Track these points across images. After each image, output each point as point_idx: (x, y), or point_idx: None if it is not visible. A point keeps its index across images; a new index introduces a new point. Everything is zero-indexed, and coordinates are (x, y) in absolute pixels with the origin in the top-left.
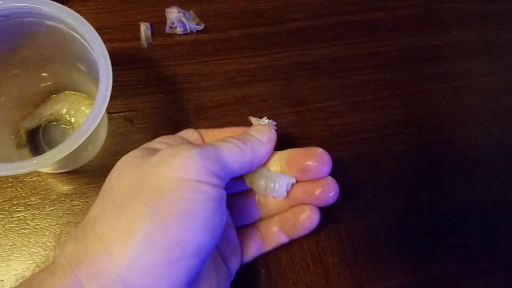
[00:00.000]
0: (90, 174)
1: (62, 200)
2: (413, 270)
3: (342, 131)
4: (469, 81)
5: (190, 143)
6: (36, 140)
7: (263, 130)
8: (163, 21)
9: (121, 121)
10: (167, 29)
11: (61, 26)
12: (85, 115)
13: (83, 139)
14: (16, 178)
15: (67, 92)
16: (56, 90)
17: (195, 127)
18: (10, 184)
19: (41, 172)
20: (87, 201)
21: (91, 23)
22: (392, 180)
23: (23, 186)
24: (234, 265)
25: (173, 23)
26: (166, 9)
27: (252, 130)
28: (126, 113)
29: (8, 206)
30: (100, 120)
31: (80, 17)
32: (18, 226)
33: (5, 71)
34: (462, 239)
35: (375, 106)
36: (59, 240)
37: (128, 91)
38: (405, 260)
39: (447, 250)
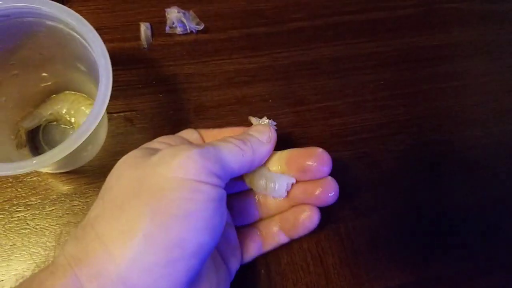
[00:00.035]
0: (90, 174)
1: (62, 200)
2: (413, 270)
3: (342, 131)
4: (469, 81)
5: (190, 143)
6: (36, 140)
7: (263, 130)
8: (163, 21)
9: (121, 121)
10: (167, 29)
11: (61, 26)
12: (85, 115)
13: (83, 139)
14: (16, 178)
15: (67, 92)
16: (56, 90)
17: (195, 127)
18: (10, 184)
19: (41, 172)
20: (87, 201)
21: (91, 23)
22: (392, 180)
23: (23, 186)
24: (234, 265)
25: (173, 23)
26: (166, 9)
27: (252, 130)
28: (126, 113)
29: (8, 206)
30: (100, 120)
31: (80, 17)
32: (18, 226)
33: (5, 71)
34: (462, 239)
35: (375, 106)
36: (59, 240)
37: (128, 91)
38: (405, 260)
39: (447, 250)
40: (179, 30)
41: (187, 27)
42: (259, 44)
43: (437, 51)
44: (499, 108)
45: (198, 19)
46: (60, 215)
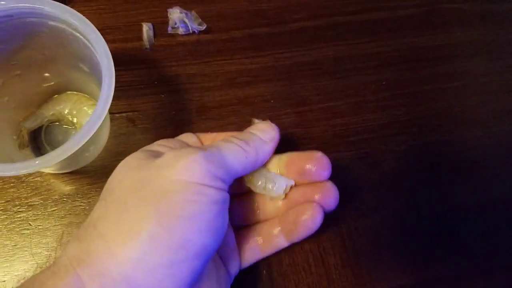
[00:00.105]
0: (92, 174)
1: (64, 200)
2: (414, 271)
3: (344, 132)
4: (469, 81)
5: (190, 146)
6: (38, 141)
7: (265, 129)
8: (165, 21)
9: (123, 121)
10: (169, 30)
11: (63, 26)
12: (87, 116)
13: (86, 140)
14: (18, 178)
15: (69, 92)
16: (59, 90)
17: (197, 128)
18: (12, 184)
19: (43, 172)
20: (89, 202)
21: (93, 24)
22: (394, 180)
23: (25, 187)
24: (233, 268)
25: (175, 24)
26: (168, 10)
27: (254, 129)
28: (128, 113)
29: (10, 207)
30: (103, 121)
31: (83, 17)
32: (20, 227)
33: (7, 71)
34: (463, 240)
35: (376, 106)
36: (60, 241)
37: (130, 92)
38: (407, 260)
39: (448, 250)
40: (181, 30)
41: (189, 28)
42: (261, 44)
43: (438, 51)
44: (499, 108)
45: (200, 20)
46: (62, 215)
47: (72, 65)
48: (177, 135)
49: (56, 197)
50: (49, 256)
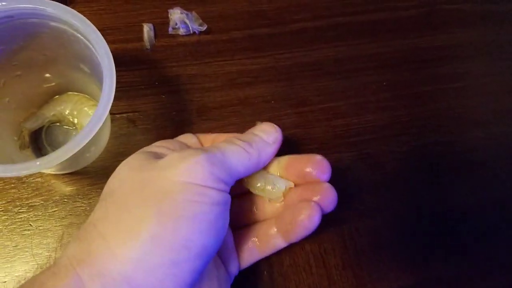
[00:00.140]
0: (93, 175)
1: (65, 201)
2: (415, 271)
3: (345, 132)
4: (470, 82)
5: (190, 147)
6: (39, 141)
7: (269, 130)
8: (165, 22)
9: (124, 122)
10: (170, 30)
11: (64, 27)
12: (88, 116)
13: (87, 140)
14: (19, 179)
15: (70, 93)
16: (59, 91)
17: (198, 128)
18: (13, 185)
19: (44, 173)
20: (90, 202)
21: (94, 24)
22: (395, 181)
23: (26, 187)
24: (233, 269)
25: (176, 24)
26: (169, 10)
27: (257, 130)
28: (129, 114)
29: (11, 207)
30: (104, 122)
31: (84, 18)
32: (21, 227)
33: (8, 72)
34: (463, 240)
35: (377, 107)
36: (61, 242)
37: (131, 92)
38: (407, 261)
39: (449, 250)
40: (182, 31)
41: (190, 28)
42: (262, 45)
43: (438, 52)
44: (499, 108)
45: (201, 20)
46: (63, 216)
47: (73, 66)
48: (178, 135)
49: (57, 197)
50: (50, 257)
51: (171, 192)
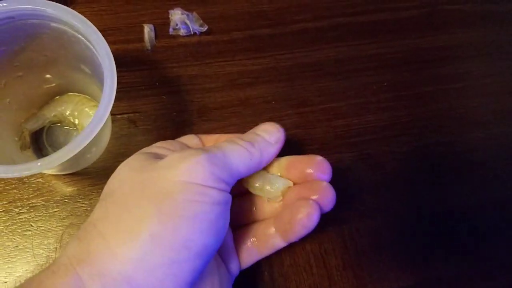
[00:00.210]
0: (94, 175)
1: (65, 201)
2: (415, 271)
3: (346, 133)
4: (470, 82)
5: (191, 148)
6: (39, 142)
7: (271, 130)
8: (166, 22)
9: (125, 122)
10: (171, 31)
11: (65, 28)
12: (88, 117)
13: (88, 141)
14: (19, 179)
15: (71, 93)
16: (60, 91)
17: (198, 129)
18: (13, 185)
19: (45, 173)
20: (91, 203)
21: (95, 25)
22: (395, 181)
23: (26, 188)
24: (234, 268)
25: (177, 25)
26: (169, 11)
27: (259, 130)
28: (129, 114)
29: (12, 208)
30: (104, 122)
31: (84, 18)
32: (21, 228)
33: (9, 72)
34: (463, 240)
35: (378, 107)
36: (61, 241)
37: (131, 93)
38: (408, 261)
39: (449, 251)
40: (182, 31)
41: (191, 29)
42: (262, 45)
43: (439, 52)
44: (500, 109)
45: (201, 21)
46: (64, 216)
47: (74, 67)
48: (178, 136)
49: (58, 198)
50: (51, 258)
51: (171, 192)
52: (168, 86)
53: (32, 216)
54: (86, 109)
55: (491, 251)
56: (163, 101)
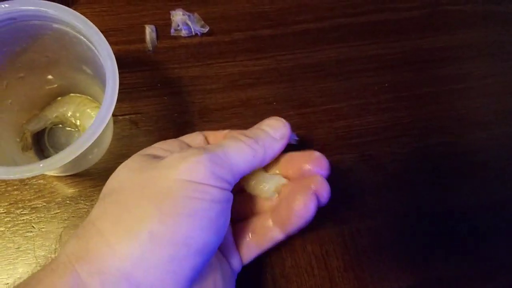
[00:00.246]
0: (96, 176)
1: (67, 203)
2: (416, 272)
3: (347, 134)
4: (472, 83)
5: (190, 147)
6: (41, 143)
7: (276, 125)
8: (168, 23)
9: (126, 123)
10: (172, 32)
11: (67, 29)
12: (90, 118)
13: (90, 142)
14: (21, 181)
15: (73, 94)
16: (62, 92)
17: (200, 130)
18: (15, 187)
19: (47, 175)
20: (92, 204)
21: (96, 26)
22: (396, 182)
23: (28, 189)
24: (235, 264)
25: (178, 26)
26: (171, 12)
27: (264, 125)
28: (131, 115)
29: (13, 209)
30: (106, 123)
31: (86, 19)
32: (23, 229)
33: (11, 73)
34: (464, 241)
35: (379, 108)
36: (60, 241)
37: (133, 94)
38: (408, 262)
39: (449, 251)
40: (184, 32)
41: (192, 30)
42: (264, 46)
43: (440, 53)
44: (501, 109)
45: (203, 22)
46: (66, 218)
47: (76, 68)
48: (180, 137)
49: (59, 199)
50: (52, 259)
51: (171, 191)
52: (170, 87)
53: (34, 217)
54: (88, 110)
55: (491, 251)
56: (164, 102)
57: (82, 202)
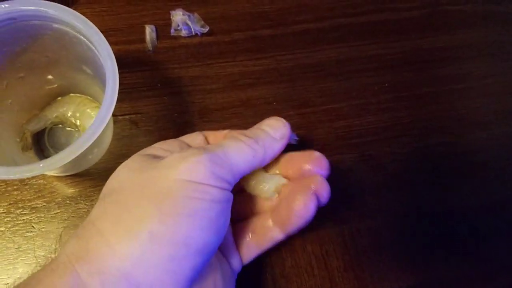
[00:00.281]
0: (95, 176)
1: (67, 203)
2: (416, 272)
3: (347, 134)
4: (472, 83)
5: (189, 147)
6: (41, 143)
7: (277, 126)
8: (168, 23)
9: (126, 123)
10: (172, 32)
11: (67, 29)
12: (90, 118)
13: (90, 142)
14: (21, 181)
15: (73, 94)
16: (62, 92)
17: (200, 130)
18: (15, 187)
19: (47, 175)
20: (92, 204)
21: (96, 26)
22: (396, 182)
23: (28, 189)
24: (235, 264)
25: (178, 26)
26: (171, 12)
27: (264, 125)
28: (131, 115)
29: (13, 209)
30: (106, 123)
31: (86, 19)
32: (23, 229)
33: (11, 73)
34: (464, 241)
35: (379, 108)
36: (60, 241)
37: (133, 94)
38: (409, 262)
39: (450, 252)
40: (184, 32)
41: (192, 30)
42: (264, 46)
43: (440, 53)
44: (501, 109)
45: (203, 22)
46: (65, 218)
47: (76, 68)
48: (180, 137)
49: (59, 199)
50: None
51: (171, 191)
52: (170, 87)
53: (34, 217)
54: (88, 110)
55: (491, 252)
56: (164, 102)
57: (82, 202)
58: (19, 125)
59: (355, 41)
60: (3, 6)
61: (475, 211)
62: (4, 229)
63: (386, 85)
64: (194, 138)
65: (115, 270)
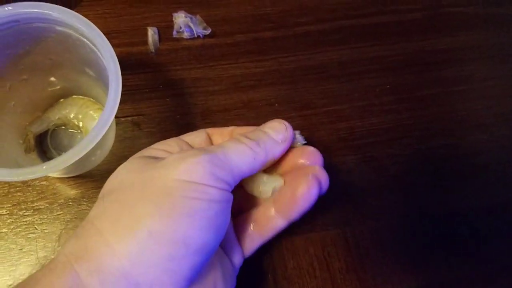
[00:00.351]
0: (98, 178)
1: (69, 204)
2: (418, 274)
3: (349, 135)
4: (473, 85)
5: (190, 147)
6: (44, 145)
7: (279, 128)
8: (170, 25)
9: (129, 125)
10: (174, 34)
11: (70, 31)
12: (93, 120)
13: (93, 144)
14: (24, 182)
15: (75, 96)
16: (64, 94)
17: None
18: (18, 188)
19: (49, 176)
20: None
21: (99, 28)
22: (398, 184)
23: (31, 191)
24: (237, 259)
25: (180, 28)
26: (173, 14)
27: (267, 127)
28: (133, 117)
29: (16, 210)
30: (109, 125)
31: (89, 22)
32: (26, 231)
33: (14, 76)
34: (466, 243)
35: (381, 110)
36: (59, 241)
37: (135, 96)
38: (411, 264)
39: (451, 254)
40: (186, 34)
41: (194, 32)
42: (266, 48)
43: (442, 55)
44: (502, 112)
45: (205, 24)
46: (68, 219)
47: (78, 70)
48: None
49: (62, 201)
50: None
51: (170, 191)
52: (172, 89)
53: (36, 218)
54: (91, 112)
55: (493, 254)
56: (167, 104)
57: (84, 203)
58: (22, 127)
59: (356, 43)
60: (6, 8)
61: (476, 212)
62: (6, 230)
63: (388, 87)
64: (196, 136)
65: (114, 269)
